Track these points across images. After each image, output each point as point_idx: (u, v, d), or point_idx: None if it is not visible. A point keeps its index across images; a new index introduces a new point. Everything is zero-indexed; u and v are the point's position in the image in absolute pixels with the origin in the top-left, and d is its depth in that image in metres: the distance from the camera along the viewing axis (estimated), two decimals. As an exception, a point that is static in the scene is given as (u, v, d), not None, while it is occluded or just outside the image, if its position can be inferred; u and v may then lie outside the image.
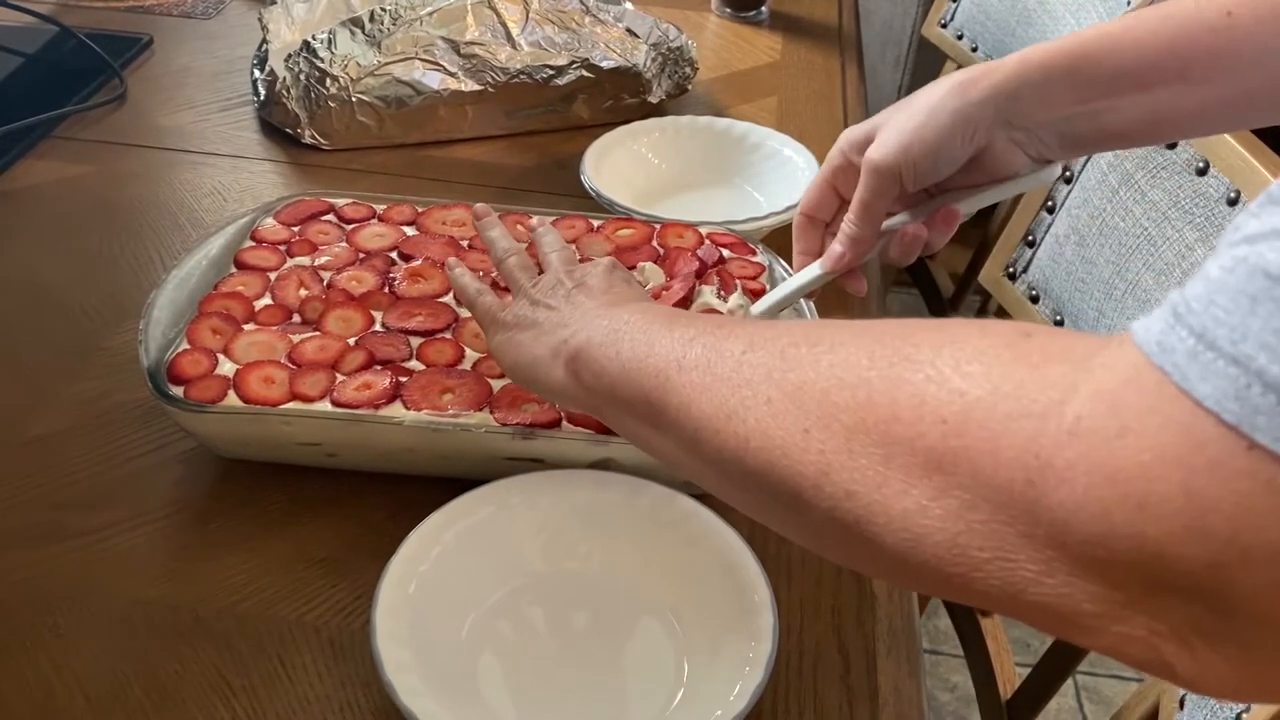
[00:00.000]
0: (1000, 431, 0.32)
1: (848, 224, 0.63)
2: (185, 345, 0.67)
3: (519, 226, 0.80)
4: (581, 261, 0.65)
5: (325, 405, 0.64)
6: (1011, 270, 0.94)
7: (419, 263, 0.75)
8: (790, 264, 0.75)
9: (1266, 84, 0.55)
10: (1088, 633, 0.31)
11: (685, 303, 0.72)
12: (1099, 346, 0.32)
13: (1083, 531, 0.30)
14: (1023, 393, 0.32)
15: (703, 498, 0.63)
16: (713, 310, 0.71)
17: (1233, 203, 0.70)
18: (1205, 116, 0.58)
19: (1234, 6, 0.54)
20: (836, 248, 0.64)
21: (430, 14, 1.02)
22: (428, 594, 0.58)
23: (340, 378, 0.66)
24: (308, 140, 1.00)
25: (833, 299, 0.86)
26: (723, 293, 0.73)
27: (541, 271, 0.64)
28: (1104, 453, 0.29)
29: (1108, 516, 0.29)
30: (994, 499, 0.32)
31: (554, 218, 0.81)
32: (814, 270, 0.66)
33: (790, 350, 0.41)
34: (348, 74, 0.98)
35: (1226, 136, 0.73)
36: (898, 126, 0.60)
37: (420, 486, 0.66)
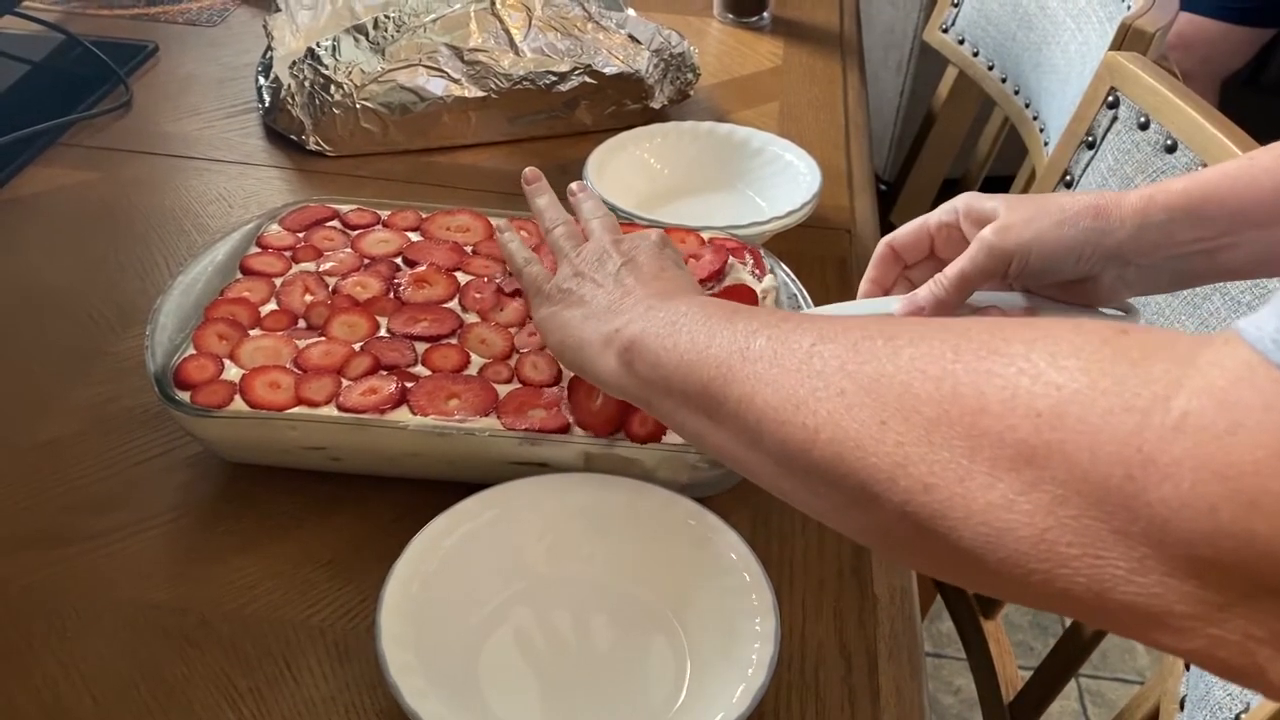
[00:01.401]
0: (1100, 426, 0.31)
1: (939, 286, 0.62)
2: (191, 350, 0.68)
3: (522, 232, 0.80)
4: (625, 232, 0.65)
5: (331, 410, 0.65)
6: (1013, 274, 0.94)
7: (424, 268, 0.76)
8: (793, 271, 0.76)
9: None
10: (1178, 634, 0.31)
11: (719, 275, 0.72)
12: (1201, 344, 0.31)
13: (1185, 529, 0.29)
14: (1124, 388, 0.31)
15: (705, 500, 0.64)
16: (743, 285, 0.71)
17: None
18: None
19: None
20: (920, 299, 0.63)
21: (434, 21, 1.03)
22: (432, 596, 0.58)
23: (346, 383, 0.66)
24: (312, 147, 1.00)
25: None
26: (757, 271, 0.73)
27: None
28: (1214, 448, 0.29)
29: (1214, 514, 0.29)
30: (1089, 493, 0.31)
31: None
32: (888, 305, 0.65)
33: (864, 343, 0.40)
34: (352, 81, 0.99)
35: (1227, 141, 0.74)
36: (1026, 219, 0.60)
37: (425, 490, 0.66)
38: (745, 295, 0.72)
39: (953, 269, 0.62)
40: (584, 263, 0.61)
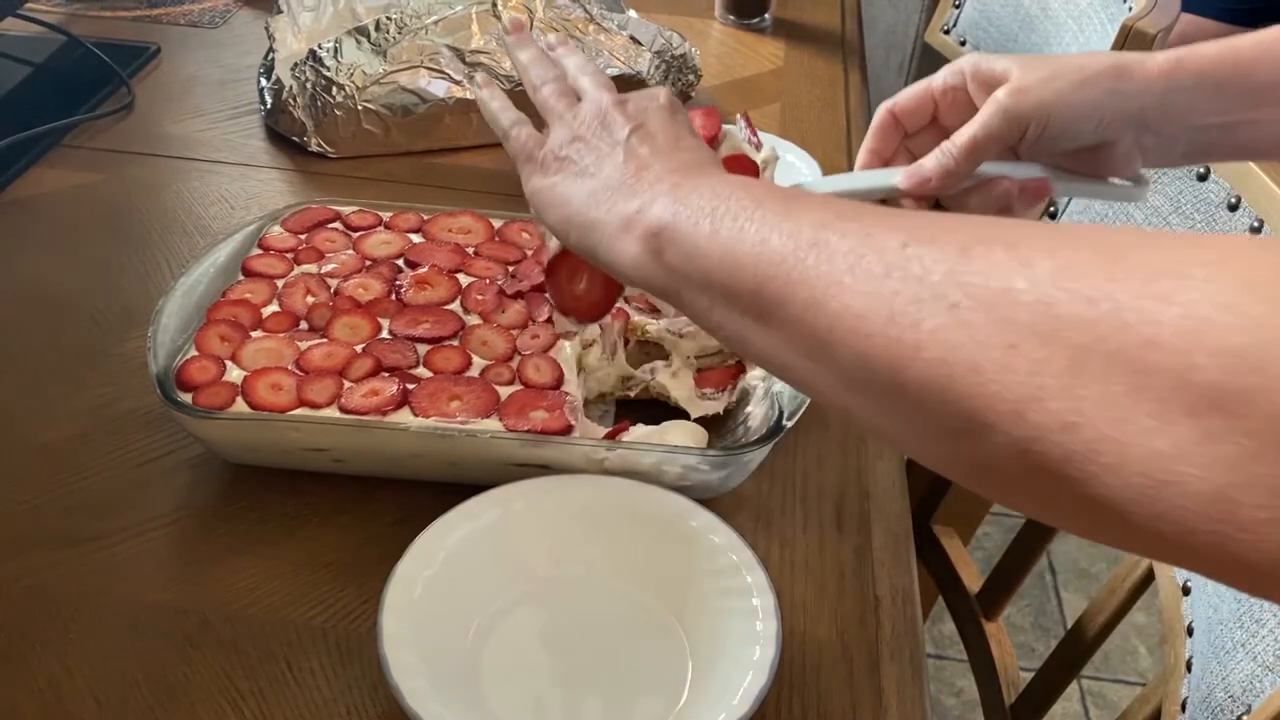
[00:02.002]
0: None
1: (947, 155, 0.57)
2: (194, 352, 0.68)
3: (524, 234, 0.80)
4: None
5: (333, 411, 0.65)
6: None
7: (425, 270, 0.76)
8: None
9: None
10: None
11: (712, 143, 0.62)
12: None
13: None
14: None
15: (706, 502, 0.64)
16: (742, 154, 0.63)
17: (1233, 208, 0.71)
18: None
19: None
20: (926, 169, 0.58)
21: (435, 22, 1.03)
22: (433, 598, 0.58)
23: (348, 384, 0.66)
24: (314, 148, 1.00)
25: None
26: (753, 139, 0.65)
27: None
28: None
29: None
30: None
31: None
32: (890, 178, 0.59)
33: (978, 249, 0.34)
34: (354, 82, 0.99)
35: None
36: (1043, 79, 0.56)
37: (427, 492, 0.66)
38: (745, 166, 0.64)
39: (962, 135, 0.57)
40: (583, 125, 0.53)
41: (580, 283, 0.59)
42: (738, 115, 0.68)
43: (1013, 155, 0.59)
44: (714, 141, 0.62)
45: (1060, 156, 0.58)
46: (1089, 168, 0.59)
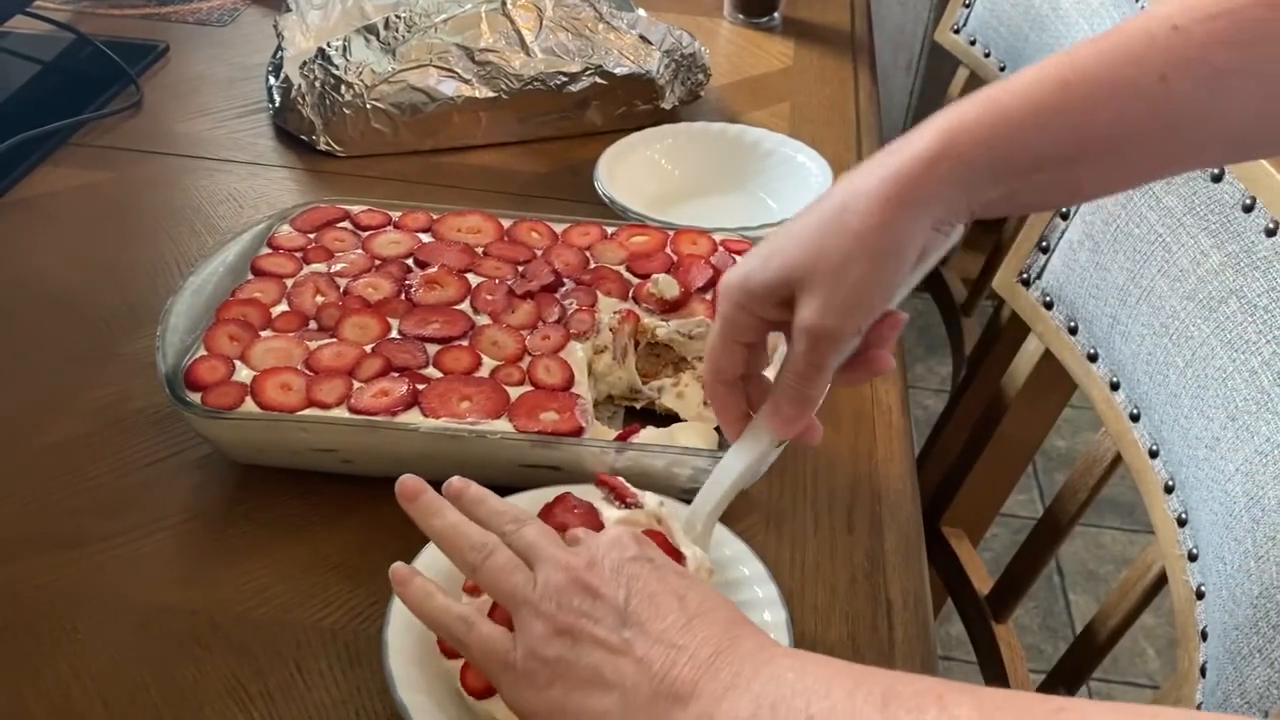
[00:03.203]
0: None
1: (793, 388, 0.52)
2: (202, 352, 0.68)
3: (533, 234, 0.80)
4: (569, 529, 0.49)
5: (342, 412, 0.64)
6: (1025, 276, 0.93)
7: (435, 270, 0.75)
8: None
9: (1205, 140, 0.49)
10: None
11: (592, 520, 0.55)
12: None
13: None
14: None
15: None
16: (629, 523, 0.55)
17: (1248, 209, 0.70)
18: (1133, 180, 0.52)
19: (1168, 70, 0.46)
20: (787, 411, 0.53)
21: (445, 21, 1.03)
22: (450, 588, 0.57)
23: (357, 384, 0.66)
24: (322, 147, 1.00)
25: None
26: (619, 502, 0.57)
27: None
28: None
29: None
30: None
31: (568, 224, 0.81)
32: (761, 441, 0.55)
33: None
34: (362, 81, 0.99)
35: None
36: (835, 278, 0.49)
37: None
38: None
39: (797, 368, 0.52)
40: (562, 609, 0.43)
41: None
42: (604, 482, 0.59)
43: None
44: (595, 519, 0.55)
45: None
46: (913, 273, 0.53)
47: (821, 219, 0.50)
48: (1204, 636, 0.67)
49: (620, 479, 0.59)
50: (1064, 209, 0.91)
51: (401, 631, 0.55)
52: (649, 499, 0.57)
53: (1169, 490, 0.74)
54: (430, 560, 0.58)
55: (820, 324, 0.50)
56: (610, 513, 0.56)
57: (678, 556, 0.53)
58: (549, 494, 0.60)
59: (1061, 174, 0.49)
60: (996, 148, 0.48)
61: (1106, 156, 0.48)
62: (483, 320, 0.72)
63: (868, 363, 0.54)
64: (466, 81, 1.01)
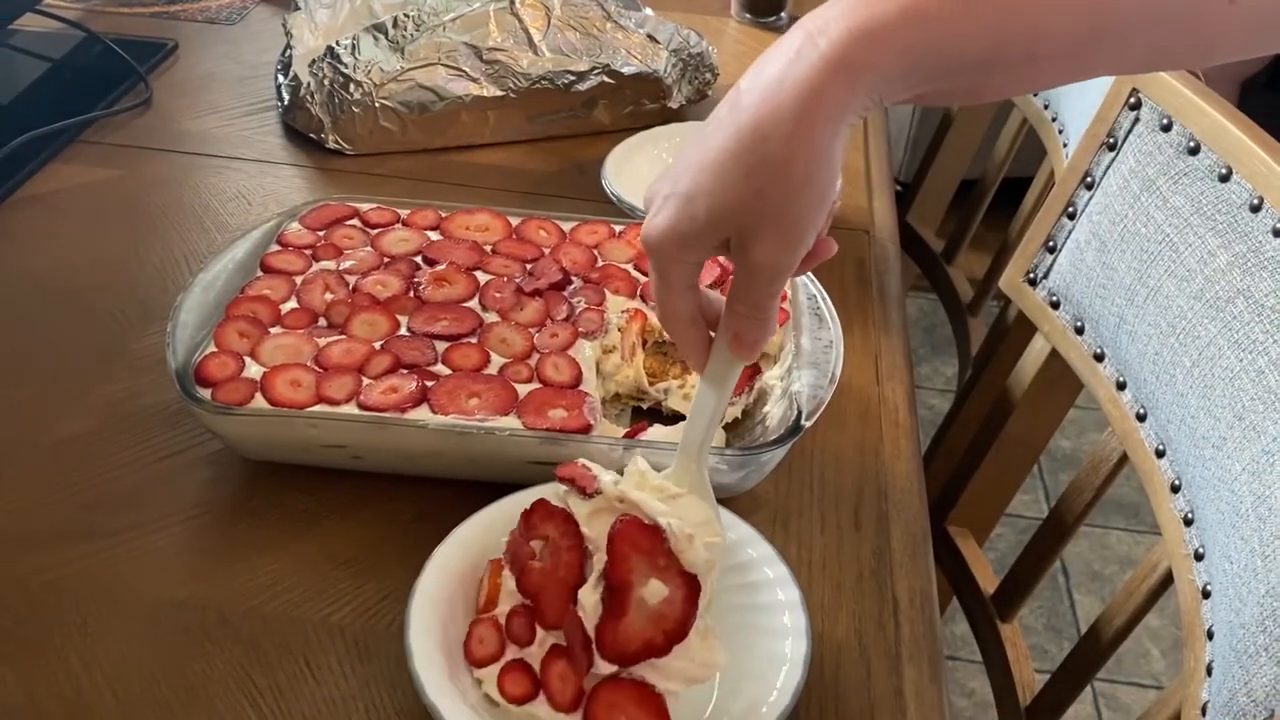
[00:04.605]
0: None
1: (754, 320, 0.52)
2: (212, 348, 0.68)
3: (541, 232, 0.80)
4: None
5: (351, 408, 0.65)
6: (1031, 276, 0.93)
7: (444, 267, 0.76)
8: (811, 271, 0.74)
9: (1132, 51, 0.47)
10: None
11: (576, 575, 0.54)
12: None
13: None
14: None
15: (724, 503, 0.63)
16: (599, 512, 0.54)
17: (1256, 209, 0.70)
18: (1052, 84, 0.49)
19: None
20: (753, 337, 0.53)
21: (453, 20, 1.03)
22: (458, 594, 0.58)
23: (366, 381, 0.66)
24: (331, 145, 1.00)
25: (852, 306, 0.86)
26: (582, 494, 0.55)
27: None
28: None
29: None
30: None
31: (576, 223, 0.81)
32: (730, 366, 0.54)
33: None
34: (371, 79, 0.99)
35: (1251, 144, 0.73)
36: (782, 217, 0.48)
37: (446, 489, 0.66)
38: (642, 534, 0.53)
39: (748, 302, 0.52)
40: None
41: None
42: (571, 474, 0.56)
43: None
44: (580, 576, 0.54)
45: None
46: None
47: (740, 148, 0.47)
48: (1210, 635, 0.68)
49: (580, 464, 0.56)
50: (1070, 209, 0.91)
51: (424, 608, 0.55)
52: (605, 481, 0.55)
53: (1175, 489, 0.74)
54: (442, 561, 0.59)
55: (778, 262, 0.49)
56: (580, 508, 0.55)
57: (653, 531, 0.52)
58: (548, 492, 0.59)
59: (974, 78, 0.47)
60: (912, 54, 0.45)
61: (1022, 63, 0.46)
62: (491, 318, 0.72)
63: (814, 253, 0.52)
64: (475, 80, 1.01)
